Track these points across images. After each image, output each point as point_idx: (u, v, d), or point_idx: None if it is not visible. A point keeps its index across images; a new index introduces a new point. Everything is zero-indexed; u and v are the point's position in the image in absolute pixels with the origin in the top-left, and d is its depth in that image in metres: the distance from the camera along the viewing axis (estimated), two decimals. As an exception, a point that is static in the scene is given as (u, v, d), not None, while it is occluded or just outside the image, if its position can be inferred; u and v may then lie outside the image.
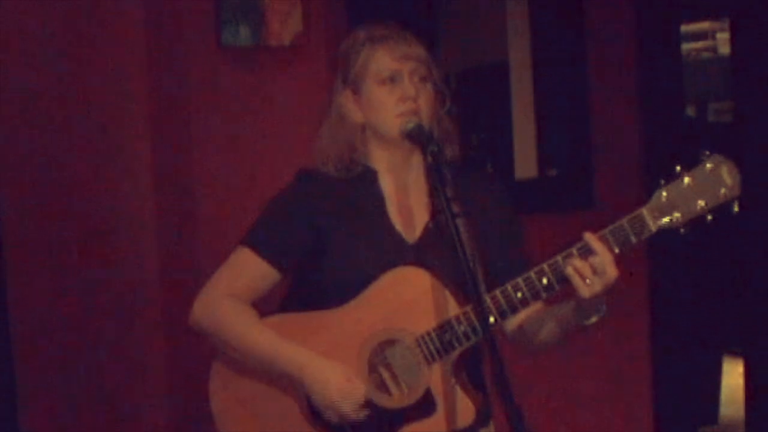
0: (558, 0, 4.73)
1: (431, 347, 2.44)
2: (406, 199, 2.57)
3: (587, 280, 2.33)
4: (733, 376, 6.06)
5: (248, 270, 2.56)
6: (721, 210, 2.33)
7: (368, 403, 2.47)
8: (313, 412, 2.52)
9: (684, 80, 5.27)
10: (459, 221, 2.31)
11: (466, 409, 2.46)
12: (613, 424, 4.77)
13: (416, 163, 2.56)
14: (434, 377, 2.45)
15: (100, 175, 3.79)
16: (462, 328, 2.42)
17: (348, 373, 2.46)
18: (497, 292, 2.41)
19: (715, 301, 5.62)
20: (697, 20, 7.72)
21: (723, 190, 2.33)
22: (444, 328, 2.43)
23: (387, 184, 2.57)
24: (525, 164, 4.81)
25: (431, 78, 2.54)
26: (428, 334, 2.44)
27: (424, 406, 2.46)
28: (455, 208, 2.32)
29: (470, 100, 4.81)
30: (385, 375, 2.47)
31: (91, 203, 3.78)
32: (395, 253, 2.50)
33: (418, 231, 2.54)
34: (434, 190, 2.38)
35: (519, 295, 2.40)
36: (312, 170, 2.59)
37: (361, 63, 2.52)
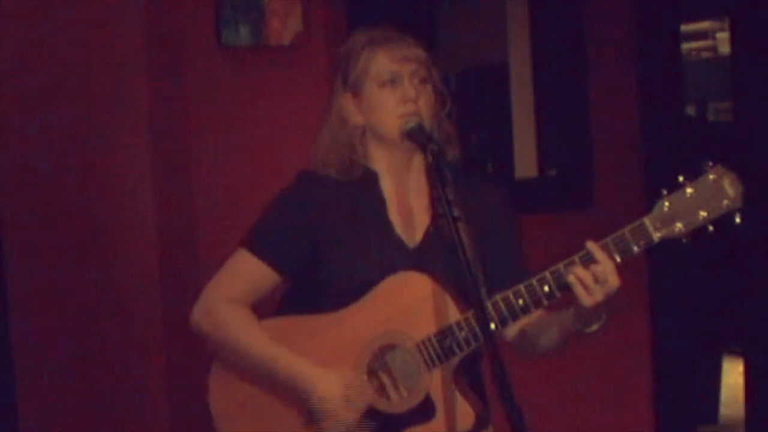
0: (558, 0, 4.73)
1: (432, 352, 2.43)
2: (406, 201, 2.56)
3: (589, 289, 2.33)
4: (733, 376, 6.07)
5: (248, 272, 2.56)
6: (722, 221, 2.34)
7: (369, 410, 2.47)
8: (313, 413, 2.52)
9: (684, 80, 5.27)
10: (460, 225, 2.30)
11: (465, 414, 2.46)
12: (613, 424, 4.77)
13: (417, 165, 2.56)
14: (434, 382, 2.45)
15: (100, 175, 3.78)
16: (463, 333, 2.42)
17: (346, 379, 2.45)
18: (498, 298, 2.41)
19: (715, 301, 5.62)
20: (697, 20, 7.72)
21: (725, 202, 2.33)
22: (445, 333, 2.43)
23: (388, 187, 2.57)
24: (525, 164, 4.81)
25: (431, 80, 2.54)
26: (429, 339, 2.44)
27: (424, 410, 2.46)
28: (456, 212, 2.31)
29: (470, 100, 4.81)
30: (385, 379, 2.47)
31: (91, 203, 3.78)
32: (396, 257, 2.50)
33: (419, 235, 2.54)
34: (435, 191, 2.38)
35: (520, 302, 2.40)
36: (312, 172, 2.59)
37: (362, 65, 2.52)
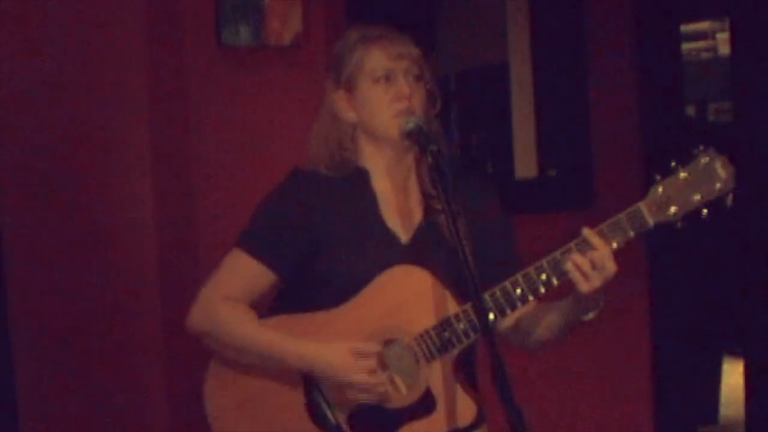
0: (558, 0, 4.74)
1: (430, 346, 2.44)
2: (399, 198, 2.56)
3: (587, 275, 2.33)
4: (733, 376, 6.07)
5: (243, 272, 2.55)
6: (716, 204, 2.35)
7: (382, 365, 2.44)
8: (312, 413, 2.51)
9: (684, 80, 5.27)
10: (459, 221, 2.30)
11: (467, 407, 2.46)
12: (613, 424, 4.77)
13: (409, 162, 2.56)
14: (434, 376, 2.45)
15: (100, 175, 3.78)
16: (461, 325, 2.42)
17: (351, 345, 2.44)
18: (496, 289, 2.41)
19: (715, 301, 5.62)
20: (697, 20, 7.72)
21: (718, 184, 2.35)
22: (443, 326, 2.43)
23: (379, 184, 2.57)
24: (525, 164, 4.81)
25: (424, 78, 2.54)
26: (427, 332, 2.44)
27: (424, 404, 2.46)
28: (456, 208, 2.32)
29: (470, 100, 4.82)
30: (384, 375, 2.46)
31: (91, 203, 3.77)
32: (389, 252, 2.49)
33: (412, 230, 2.54)
34: (435, 190, 2.38)
35: (518, 291, 2.40)
36: (305, 169, 2.59)
37: (356, 62, 2.52)
